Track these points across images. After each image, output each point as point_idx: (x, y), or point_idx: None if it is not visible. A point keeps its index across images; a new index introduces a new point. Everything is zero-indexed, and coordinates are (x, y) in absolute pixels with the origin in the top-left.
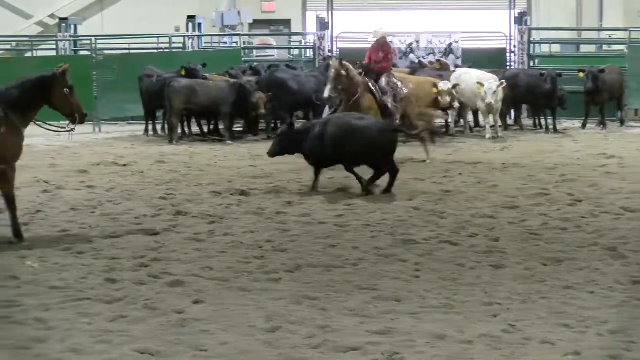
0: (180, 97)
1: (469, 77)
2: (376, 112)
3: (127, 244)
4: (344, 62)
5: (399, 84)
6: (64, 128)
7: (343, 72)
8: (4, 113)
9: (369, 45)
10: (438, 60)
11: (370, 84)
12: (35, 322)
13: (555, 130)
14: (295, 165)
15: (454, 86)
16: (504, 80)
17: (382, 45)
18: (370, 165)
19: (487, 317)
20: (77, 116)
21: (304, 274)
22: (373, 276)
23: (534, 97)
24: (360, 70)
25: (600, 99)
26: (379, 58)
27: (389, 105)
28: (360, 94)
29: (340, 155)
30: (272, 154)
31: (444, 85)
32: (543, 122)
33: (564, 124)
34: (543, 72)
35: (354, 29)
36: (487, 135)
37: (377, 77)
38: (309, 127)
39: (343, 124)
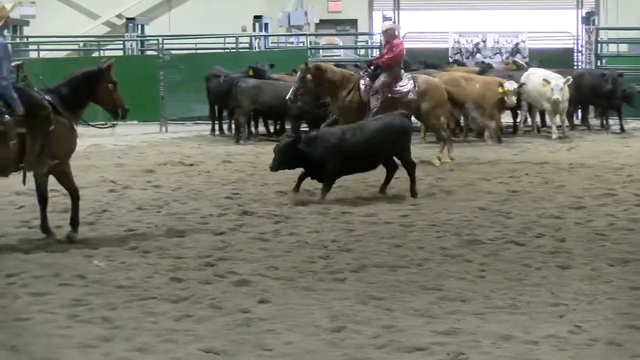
0: (247, 96)
1: (536, 77)
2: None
3: (192, 244)
4: (319, 65)
5: (408, 85)
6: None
7: (309, 76)
8: (54, 109)
9: (436, 45)
10: (514, 62)
11: (361, 82)
12: (102, 321)
13: (622, 130)
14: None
15: (520, 85)
16: (570, 77)
17: (389, 38)
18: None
19: (553, 317)
20: (119, 111)
21: (369, 274)
22: (438, 276)
23: (595, 97)
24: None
25: None
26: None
27: (371, 105)
28: (351, 91)
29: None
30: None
31: (509, 85)
32: (606, 122)
33: (630, 124)
34: (604, 72)
35: (421, 29)
36: (554, 136)
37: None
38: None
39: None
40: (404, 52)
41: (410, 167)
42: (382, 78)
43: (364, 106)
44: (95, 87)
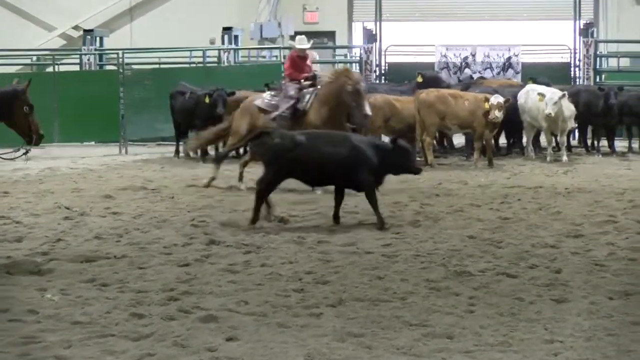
0: None
1: (535, 94)
2: None
3: (155, 276)
4: None
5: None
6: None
7: None
8: None
9: (421, 59)
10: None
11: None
12: None
13: (613, 151)
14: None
15: (506, 101)
16: (565, 92)
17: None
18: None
19: (548, 355)
20: (34, 137)
21: (348, 309)
22: (424, 311)
23: (591, 115)
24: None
25: None
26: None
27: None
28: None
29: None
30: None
31: (494, 100)
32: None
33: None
34: (602, 87)
35: (403, 42)
36: (548, 158)
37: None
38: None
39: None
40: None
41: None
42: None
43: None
44: (9, 109)
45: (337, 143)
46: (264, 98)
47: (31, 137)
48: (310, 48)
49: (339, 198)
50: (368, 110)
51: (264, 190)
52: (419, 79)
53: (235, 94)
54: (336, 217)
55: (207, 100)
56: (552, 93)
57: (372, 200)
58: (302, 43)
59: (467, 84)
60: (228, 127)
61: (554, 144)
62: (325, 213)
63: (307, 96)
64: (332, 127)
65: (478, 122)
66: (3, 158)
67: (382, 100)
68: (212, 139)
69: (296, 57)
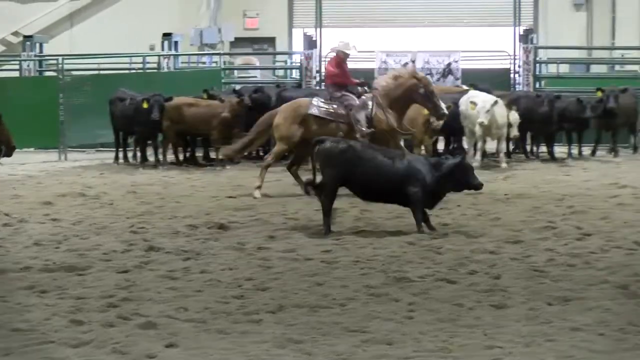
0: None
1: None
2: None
3: (95, 282)
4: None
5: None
6: None
7: None
8: None
9: (361, 66)
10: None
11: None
12: None
13: (553, 158)
14: (280, 197)
15: (448, 107)
16: (498, 99)
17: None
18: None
19: None
20: (3, 148)
21: (288, 315)
22: (363, 317)
23: (530, 121)
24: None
25: (614, 124)
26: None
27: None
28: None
29: None
30: None
31: None
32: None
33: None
34: (540, 94)
35: None
36: (474, 163)
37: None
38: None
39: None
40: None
41: None
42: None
43: None
44: None
45: (392, 157)
46: (318, 106)
47: (1, 149)
48: (250, 54)
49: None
50: (444, 108)
51: (326, 200)
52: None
53: (173, 99)
54: None
55: (145, 105)
56: (484, 102)
57: (417, 217)
58: (349, 48)
59: None
60: (263, 133)
61: (493, 150)
62: (265, 219)
63: (369, 102)
64: (396, 131)
65: (418, 129)
66: None
67: None
68: (248, 145)
69: (342, 62)
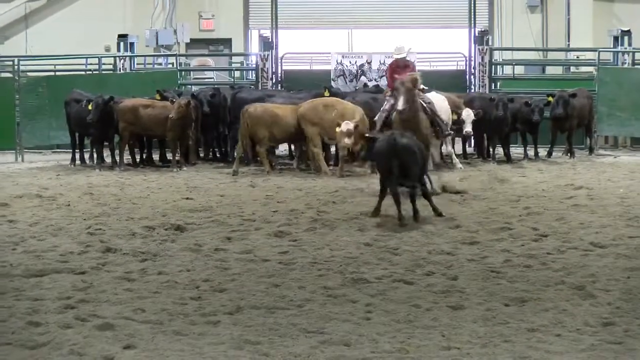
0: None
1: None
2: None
3: (51, 284)
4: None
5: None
6: None
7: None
8: None
9: (317, 67)
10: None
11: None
12: None
13: (509, 159)
14: (237, 198)
15: (355, 127)
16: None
17: (405, 62)
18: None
19: None
20: None
21: (245, 316)
22: (320, 318)
23: (485, 122)
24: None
25: (569, 125)
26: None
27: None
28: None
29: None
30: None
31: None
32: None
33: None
34: (493, 96)
35: (300, 49)
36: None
37: None
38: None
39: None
40: None
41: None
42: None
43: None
44: None
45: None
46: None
47: None
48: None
49: None
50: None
51: (382, 189)
52: (326, 94)
53: (114, 99)
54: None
55: (89, 107)
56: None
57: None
58: (400, 52)
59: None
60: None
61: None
62: (222, 220)
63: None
64: None
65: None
66: None
67: (262, 110)
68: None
69: (396, 67)
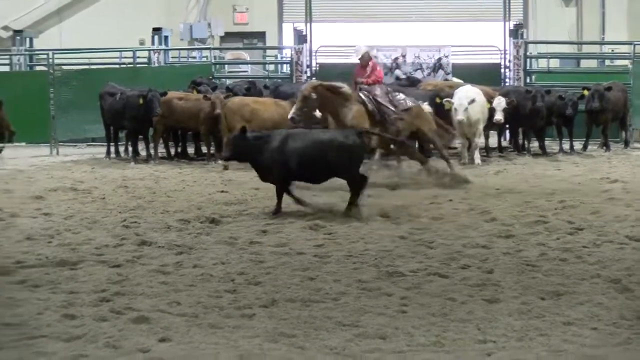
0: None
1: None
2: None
3: (87, 277)
4: (325, 83)
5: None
6: None
7: (313, 95)
8: None
9: (351, 61)
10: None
11: (361, 94)
12: None
13: (544, 153)
14: (271, 191)
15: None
16: (475, 98)
17: (366, 62)
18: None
19: (480, 355)
20: (5, 134)
21: (280, 309)
22: (356, 311)
23: (520, 116)
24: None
25: (604, 119)
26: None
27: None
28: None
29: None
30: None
31: None
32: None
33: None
34: (530, 89)
35: (334, 42)
36: (463, 160)
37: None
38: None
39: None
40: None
41: (353, 184)
42: (381, 90)
43: (373, 117)
44: None
45: None
46: None
47: (2, 133)
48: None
49: None
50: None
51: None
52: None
53: (167, 94)
54: None
55: (141, 101)
56: (460, 98)
57: None
58: (357, 54)
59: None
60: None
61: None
62: (256, 214)
63: None
64: None
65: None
66: None
67: (239, 103)
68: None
69: (359, 68)
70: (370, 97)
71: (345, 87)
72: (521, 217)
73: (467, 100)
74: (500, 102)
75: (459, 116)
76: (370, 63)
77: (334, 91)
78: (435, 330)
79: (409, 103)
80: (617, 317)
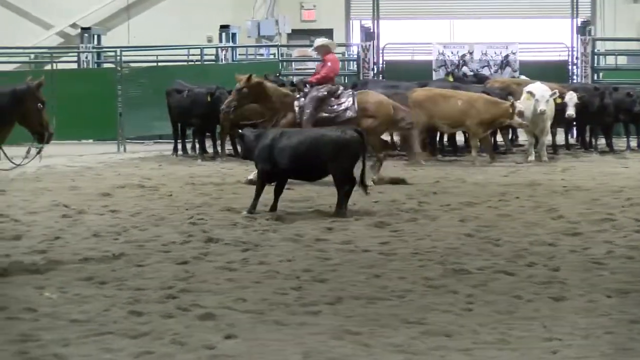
0: None
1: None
2: None
3: (153, 274)
4: (261, 80)
5: (346, 103)
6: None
7: (245, 90)
8: None
9: (418, 58)
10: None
11: (295, 103)
12: (54, 359)
13: (611, 149)
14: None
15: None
16: (556, 90)
17: (323, 54)
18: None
19: (546, 353)
20: (45, 134)
21: (345, 307)
22: (421, 309)
23: (588, 113)
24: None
25: None
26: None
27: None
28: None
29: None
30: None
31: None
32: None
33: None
34: (597, 86)
35: (401, 40)
36: (530, 157)
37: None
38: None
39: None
40: (339, 69)
41: (339, 184)
42: (312, 93)
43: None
44: (22, 106)
45: None
46: None
47: (43, 134)
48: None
49: None
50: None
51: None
52: (450, 79)
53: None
54: None
55: (208, 99)
56: (543, 91)
57: None
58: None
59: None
60: None
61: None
62: (322, 210)
63: None
64: None
65: (471, 121)
66: (18, 165)
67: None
68: None
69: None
70: (304, 104)
71: (290, 95)
72: (588, 215)
73: (549, 93)
74: (572, 98)
75: (541, 106)
76: (326, 57)
77: (267, 93)
78: (501, 328)
79: (349, 113)
80: None
